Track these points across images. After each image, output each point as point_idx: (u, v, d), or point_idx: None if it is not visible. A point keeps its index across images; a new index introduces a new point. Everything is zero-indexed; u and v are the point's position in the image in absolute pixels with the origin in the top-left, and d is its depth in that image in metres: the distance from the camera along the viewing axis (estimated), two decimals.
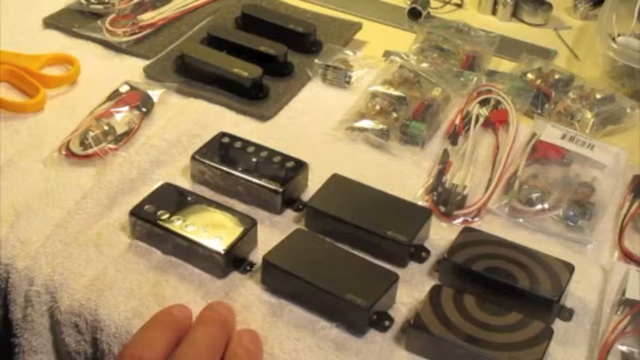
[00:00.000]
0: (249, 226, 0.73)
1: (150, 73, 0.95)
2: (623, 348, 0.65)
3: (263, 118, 0.90)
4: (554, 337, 0.65)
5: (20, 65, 0.93)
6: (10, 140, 0.85)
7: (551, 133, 0.86)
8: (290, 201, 0.78)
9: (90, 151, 0.82)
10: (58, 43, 1.00)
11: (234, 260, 0.71)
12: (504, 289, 0.68)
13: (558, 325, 0.68)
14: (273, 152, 0.80)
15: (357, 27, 1.05)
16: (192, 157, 0.80)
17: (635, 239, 0.77)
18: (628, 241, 0.76)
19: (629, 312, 0.67)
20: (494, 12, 1.13)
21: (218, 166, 0.79)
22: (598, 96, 0.92)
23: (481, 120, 0.88)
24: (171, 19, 1.04)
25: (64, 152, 0.82)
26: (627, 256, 0.75)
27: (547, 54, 1.04)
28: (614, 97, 0.92)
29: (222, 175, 0.79)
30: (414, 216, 0.75)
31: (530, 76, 0.95)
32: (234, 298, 0.69)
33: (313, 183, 0.79)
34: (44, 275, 0.71)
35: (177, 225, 0.72)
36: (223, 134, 0.83)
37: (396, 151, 0.86)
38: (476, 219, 0.78)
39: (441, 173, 0.82)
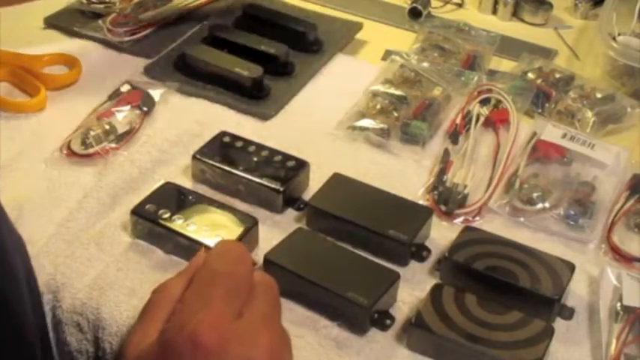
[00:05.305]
0: (250, 226, 0.73)
1: (151, 73, 0.95)
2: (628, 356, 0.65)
3: (264, 117, 0.90)
4: (556, 335, 0.65)
5: (21, 65, 0.93)
6: (11, 140, 0.85)
7: (552, 132, 0.86)
8: (291, 200, 0.78)
9: (91, 151, 0.82)
10: (59, 42, 1.00)
11: None
12: (505, 287, 0.68)
13: (559, 323, 0.68)
14: (274, 151, 0.81)
15: (358, 26, 1.05)
16: (194, 157, 0.80)
17: (627, 236, 0.77)
18: (617, 238, 0.76)
19: (629, 320, 0.66)
20: (494, 11, 1.13)
21: (219, 165, 0.79)
22: (598, 95, 0.92)
23: (482, 119, 0.88)
24: (172, 19, 1.04)
25: (65, 152, 0.82)
26: (614, 251, 0.74)
27: (547, 53, 1.04)
28: (614, 97, 0.92)
29: (223, 175, 0.79)
30: (415, 215, 0.75)
31: (530, 75, 0.95)
32: None
33: (314, 182, 0.79)
34: (46, 274, 0.71)
35: (178, 224, 0.72)
36: (224, 133, 0.83)
37: (396, 151, 0.86)
38: (477, 218, 0.78)
39: (442, 172, 0.82)
